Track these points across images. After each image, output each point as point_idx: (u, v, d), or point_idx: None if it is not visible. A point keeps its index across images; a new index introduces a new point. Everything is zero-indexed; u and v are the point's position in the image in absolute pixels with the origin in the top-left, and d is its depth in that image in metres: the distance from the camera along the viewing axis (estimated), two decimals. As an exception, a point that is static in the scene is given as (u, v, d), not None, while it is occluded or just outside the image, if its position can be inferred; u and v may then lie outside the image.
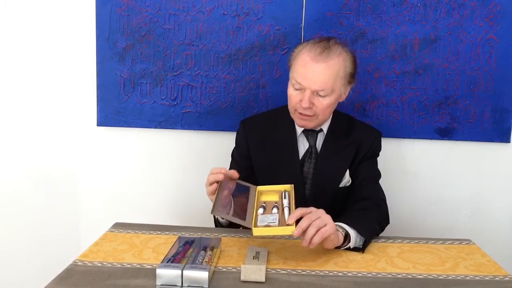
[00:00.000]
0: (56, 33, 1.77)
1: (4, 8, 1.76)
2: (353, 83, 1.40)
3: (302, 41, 1.70)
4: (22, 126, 1.84)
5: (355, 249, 1.21)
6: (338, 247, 1.19)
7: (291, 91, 1.35)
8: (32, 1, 1.75)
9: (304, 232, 1.08)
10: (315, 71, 1.29)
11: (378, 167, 1.51)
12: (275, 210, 1.16)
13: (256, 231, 1.08)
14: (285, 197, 1.20)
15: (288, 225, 1.08)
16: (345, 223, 1.20)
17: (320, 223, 1.09)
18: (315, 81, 1.29)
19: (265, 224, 1.09)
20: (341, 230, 1.18)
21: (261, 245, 1.21)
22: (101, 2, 1.72)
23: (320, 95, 1.31)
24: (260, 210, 1.15)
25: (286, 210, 1.14)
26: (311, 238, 1.08)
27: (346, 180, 1.44)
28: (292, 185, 1.25)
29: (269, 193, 1.26)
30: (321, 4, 1.69)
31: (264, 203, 1.20)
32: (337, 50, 1.32)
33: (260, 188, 1.27)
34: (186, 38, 1.73)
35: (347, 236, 1.19)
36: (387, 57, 1.72)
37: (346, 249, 1.20)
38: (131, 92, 1.77)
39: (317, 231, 1.08)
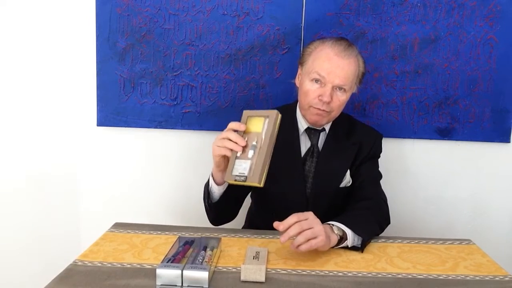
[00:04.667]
0: (56, 33, 1.77)
1: (4, 8, 1.76)
2: (360, 84, 1.42)
3: (302, 41, 1.70)
4: (22, 126, 1.84)
5: (354, 248, 1.21)
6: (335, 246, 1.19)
7: (308, 86, 1.35)
8: (32, 1, 1.75)
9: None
10: (340, 66, 1.31)
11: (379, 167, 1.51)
12: (251, 153, 1.11)
13: (227, 178, 1.14)
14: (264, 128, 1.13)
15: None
16: (341, 223, 1.20)
17: (310, 234, 1.09)
18: (339, 75, 1.31)
19: (237, 174, 1.11)
20: (336, 232, 1.18)
21: (261, 245, 1.21)
22: (101, 2, 1.72)
23: (339, 91, 1.33)
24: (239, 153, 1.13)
25: (256, 152, 1.10)
26: (299, 245, 1.09)
27: (347, 180, 1.44)
28: (276, 112, 1.13)
29: (255, 119, 1.16)
30: (321, 4, 1.69)
31: (247, 137, 1.14)
32: (354, 50, 1.36)
33: (248, 112, 1.19)
34: (186, 38, 1.73)
35: (342, 237, 1.19)
36: (387, 57, 1.72)
37: (344, 247, 1.20)
38: (131, 92, 1.77)
39: (306, 241, 1.09)
